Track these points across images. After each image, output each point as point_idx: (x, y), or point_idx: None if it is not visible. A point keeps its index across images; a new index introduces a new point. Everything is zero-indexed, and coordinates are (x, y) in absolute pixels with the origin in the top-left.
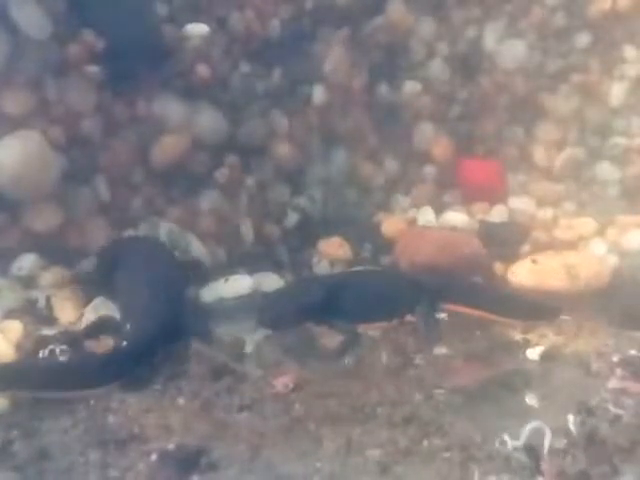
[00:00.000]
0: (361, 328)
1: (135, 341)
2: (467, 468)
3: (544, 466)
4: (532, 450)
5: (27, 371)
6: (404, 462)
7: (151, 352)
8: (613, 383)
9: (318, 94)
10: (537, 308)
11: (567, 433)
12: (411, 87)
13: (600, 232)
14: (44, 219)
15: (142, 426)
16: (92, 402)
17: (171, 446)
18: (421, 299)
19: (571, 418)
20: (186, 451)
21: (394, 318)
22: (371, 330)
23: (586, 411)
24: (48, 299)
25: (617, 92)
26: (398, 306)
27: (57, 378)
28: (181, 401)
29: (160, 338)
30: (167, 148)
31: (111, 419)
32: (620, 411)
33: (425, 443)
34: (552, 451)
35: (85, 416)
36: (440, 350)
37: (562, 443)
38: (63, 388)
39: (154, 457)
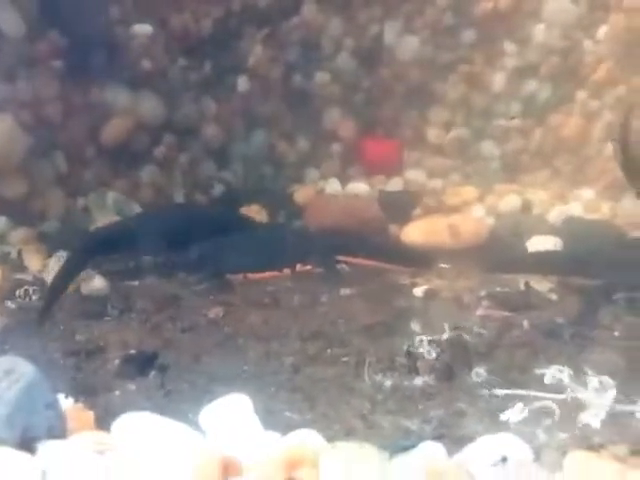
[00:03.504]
0: (253, 277)
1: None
2: (360, 368)
3: (419, 364)
4: (411, 355)
5: None
6: (312, 365)
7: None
8: (480, 311)
9: (242, 83)
10: (416, 257)
11: (439, 344)
12: (321, 77)
13: (480, 198)
14: (12, 187)
15: (105, 341)
16: (61, 327)
17: (132, 351)
18: (311, 251)
19: (443, 335)
20: (144, 355)
21: (283, 267)
22: (266, 278)
23: (455, 329)
24: (19, 252)
25: (498, 80)
26: (284, 258)
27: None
28: (134, 325)
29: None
30: (115, 129)
31: (79, 337)
32: (483, 331)
33: (329, 351)
34: (427, 357)
35: (57, 336)
36: (344, 291)
37: (435, 351)
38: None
39: (118, 361)
